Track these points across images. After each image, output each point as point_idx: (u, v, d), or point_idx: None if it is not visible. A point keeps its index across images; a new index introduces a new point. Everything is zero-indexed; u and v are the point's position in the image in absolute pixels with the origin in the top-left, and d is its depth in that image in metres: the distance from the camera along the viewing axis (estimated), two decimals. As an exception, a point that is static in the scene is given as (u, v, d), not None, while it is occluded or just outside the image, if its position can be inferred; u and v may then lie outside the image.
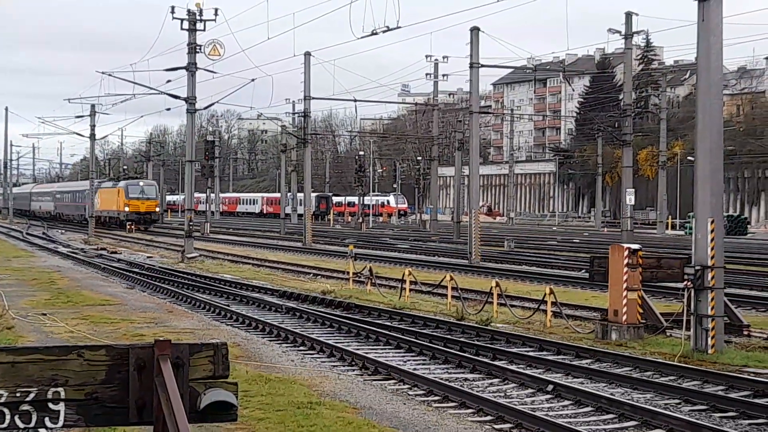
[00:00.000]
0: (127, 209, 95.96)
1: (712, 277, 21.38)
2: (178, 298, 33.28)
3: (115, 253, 58.24)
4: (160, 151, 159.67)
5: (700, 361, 20.11)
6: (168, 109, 77.26)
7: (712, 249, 21.44)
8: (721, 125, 22.07)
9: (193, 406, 6.23)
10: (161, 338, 6.29)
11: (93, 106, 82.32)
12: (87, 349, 6.11)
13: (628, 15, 58.27)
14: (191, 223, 53.78)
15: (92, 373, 6.08)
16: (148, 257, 55.53)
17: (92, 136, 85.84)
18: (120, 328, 22.94)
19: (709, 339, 21.08)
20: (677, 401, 16.50)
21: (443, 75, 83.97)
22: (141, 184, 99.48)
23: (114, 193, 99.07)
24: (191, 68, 53.08)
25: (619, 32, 58.48)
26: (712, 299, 21.31)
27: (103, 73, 61.73)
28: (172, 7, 51.75)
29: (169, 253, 58.62)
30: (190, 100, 53.87)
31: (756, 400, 16.22)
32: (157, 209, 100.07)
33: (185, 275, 41.57)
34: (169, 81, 60.03)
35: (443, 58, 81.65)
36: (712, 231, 21.45)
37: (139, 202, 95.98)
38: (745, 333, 23.79)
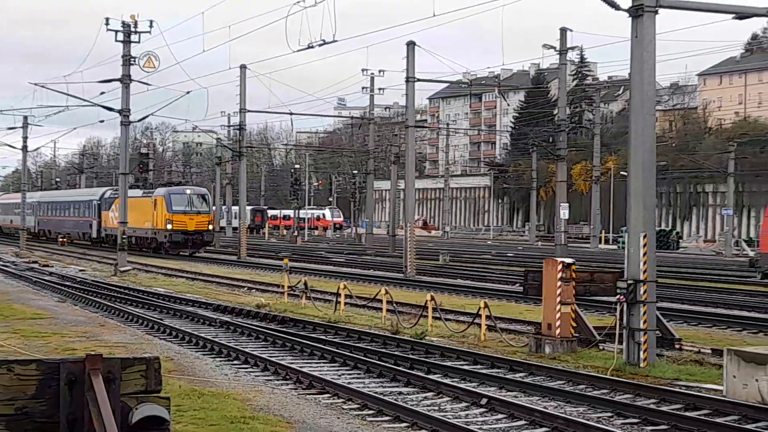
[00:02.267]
0: (169, 227, 70.45)
1: (644, 291, 21.58)
2: (110, 312, 32.96)
3: (47, 266, 57.56)
4: (94, 164, 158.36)
5: (632, 375, 20.28)
6: (102, 122, 76.74)
7: (644, 263, 21.64)
8: (653, 141, 22.30)
9: (125, 421, 6.18)
10: (93, 352, 6.23)
11: (25, 117, 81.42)
12: (17, 364, 6.04)
13: (563, 31, 58.76)
14: (123, 237, 53.35)
15: (22, 388, 6.01)
16: (80, 270, 54.94)
17: (24, 148, 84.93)
18: (51, 342, 22.66)
19: (642, 352, 21.26)
20: (610, 414, 16.62)
21: (379, 89, 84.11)
22: (188, 192, 74.45)
23: (148, 205, 73.64)
24: (125, 80, 52.71)
25: (554, 48, 58.96)
26: (644, 313, 21.50)
27: (35, 84, 61.00)
28: (107, 19, 51.40)
29: (102, 267, 58.07)
30: (125, 112, 53.49)
31: (687, 413, 16.37)
32: (211, 226, 73.95)
33: (118, 289, 41.20)
34: (103, 93, 59.56)
35: (379, 72, 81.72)
36: (644, 245, 21.65)
37: (187, 217, 70.98)
38: (677, 346, 24.02)
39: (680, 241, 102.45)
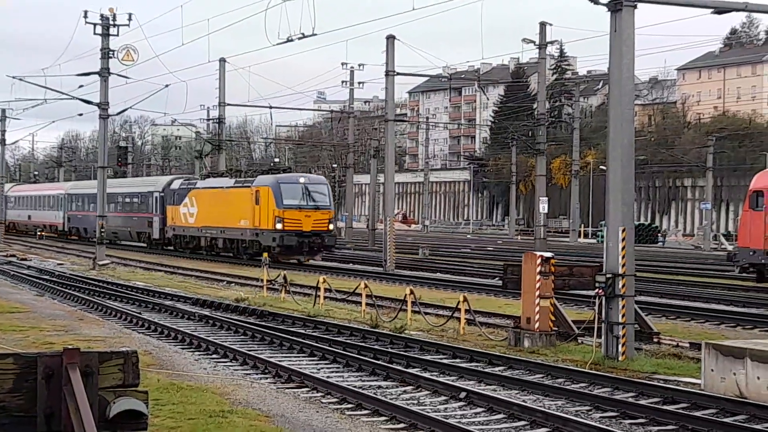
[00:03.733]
0: (279, 226, 54.00)
1: (623, 285, 21.63)
2: (89, 306, 32.86)
3: (25, 260, 57.39)
4: (72, 157, 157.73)
5: (611, 368, 20.33)
6: (80, 115, 76.51)
7: (623, 257, 21.70)
8: (632, 135, 22.35)
9: (103, 415, 6.16)
10: (71, 346, 6.21)
11: (3, 110, 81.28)
12: (-7, 358, 6.01)
13: (543, 25, 58.91)
14: (102, 230, 53.18)
15: (-1, 382, 5.98)
16: (58, 264, 54.78)
17: (2, 141, 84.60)
18: (29, 336, 22.59)
19: (620, 346, 21.32)
20: (588, 408, 16.65)
21: (359, 83, 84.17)
22: (302, 180, 56.76)
23: (245, 198, 56.96)
24: (104, 73, 52.51)
25: (534, 42, 59.08)
26: (623, 307, 21.56)
27: (14, 77, 60.69)
28: (85, 12, 51.19)
29: (81, 260, 57.87)
30: (103, 105, 53.29)
31: (665, 407, 16.42)
32: (331, 226, 56.63)
33: (97, 282, 41.09)
34: (81, 86, 59.43)
35: (359, 65, 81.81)
36: (623, 239, 21.71)
37: (302, 213, 54.47)
38: (655, 340, 24.11)
39: (659, 235, 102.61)
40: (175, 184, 67.38)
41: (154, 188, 70.55)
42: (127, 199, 74.98)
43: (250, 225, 56.10)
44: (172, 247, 67.15)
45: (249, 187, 56.93)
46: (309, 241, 54.24)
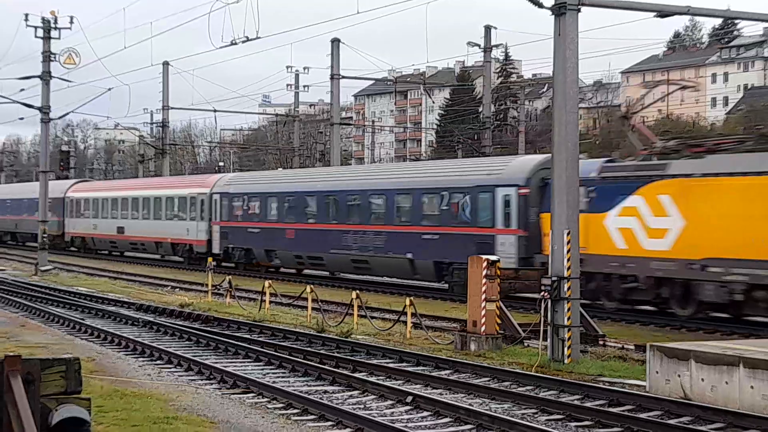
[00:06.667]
0: None
1: (569, 288, 21.73)
2: (31, 312, 32.51)
3: (-33, 265, 56.77)
4: (13, 162, 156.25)
5: (556, 371, 20.41)
6: (21, 119, 75.68)
7: (568, 260, 21.79)
8: (577, 138, 22.45)
9: (45, 423, 6.08)
10: (12, 354, 6.11)
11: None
12: (-69, 367, 5.89)
13: (487, 28, 59.14)
14: (44, 235, 52.69)
15: (-63, 391, 5.87)
16: (0, 270, 54.21)
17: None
18: (-30, 343, 22.30)
19: (566, 349, 21.41)
20: (534, 411, 16.70)
21: (304, 86, 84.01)
22: None
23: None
24: (46, 77, 52.08)
25: (479, 45, 59.30)
26: (569, 310, 21.66)
27: (-47, 80, 59.87)
28: (26, 15, 50.74)
29: (23, 266, 57.29)
30: (45, 109, 52.82)
31: (610, 409, 16.50)
32: None
33: (39, 288, 40.67)
34: (22, 89, 59.17)
35: (304, 69, 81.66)
36: (568, 242, 21.80)
37: None
38: (601, 343, 24.25)
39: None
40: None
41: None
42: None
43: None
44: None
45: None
46: None
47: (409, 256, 39.57)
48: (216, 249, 52.61)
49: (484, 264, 23.42)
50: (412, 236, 39.56)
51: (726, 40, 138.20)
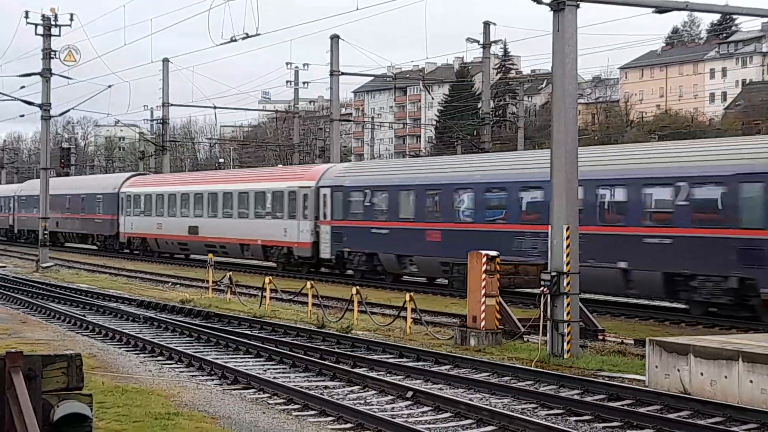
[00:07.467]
0: None
1: (568, 283, 21.76)
2: (32, 309, 32.55)
3: (-33, 262, 56.79)
4: (14, 159, 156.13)
5: (556, 366, 20.45)
6: (22, 116, 75.95)
7: (567, 255, 21.83)
8: (575, 133, 22.48)
9: (47, 419, 6.11)
10: (13, 350, 6.15)
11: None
12: (-66, 363, 5.93)
13: (486, 25, 59.09)
14: (45, 232, 52.71)
15: (-60, 387, 5.91)
16: (0, 267, 54.20)
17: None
18: (-29, 340, 22.34)
19: (565, 344, 21.46)
20: (534, 406, 16.74)
21: (304, 82, 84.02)
22: None
23: None
24: (46, 74, 52.12)
25: (478, 41, 59.26)
26: (568, 305, 21.70)
27: (-47, 78, 59.82)
28: (26, 12, 50.77)
29: (24, 263, 57.30)
30: (45, 106, 52.86)
31: (610, 404, 16.55)
32: None
33: (40, 285, 40.69)
34: (23, 87, 59.20)
35: (304, 65, 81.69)
36: (567, 238, 21.84)
37: None
38: (600, 337, 24.27)
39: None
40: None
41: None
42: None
43: None
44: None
45: None
46: None
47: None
48: (326, 253, 45.25)
49: (484, 260, 23.46)
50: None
51: (724, 35, 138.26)
